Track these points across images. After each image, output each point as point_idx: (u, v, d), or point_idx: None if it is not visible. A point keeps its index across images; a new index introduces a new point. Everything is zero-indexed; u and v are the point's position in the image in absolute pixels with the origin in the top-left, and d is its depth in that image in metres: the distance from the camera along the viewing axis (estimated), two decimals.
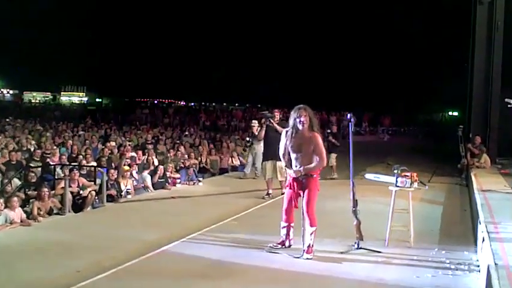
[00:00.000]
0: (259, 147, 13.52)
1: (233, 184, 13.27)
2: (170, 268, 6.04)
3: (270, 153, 10.51)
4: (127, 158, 13.51)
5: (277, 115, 11.00)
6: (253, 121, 14.21)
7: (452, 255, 6.60)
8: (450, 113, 46.56)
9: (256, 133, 13.37)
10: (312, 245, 6.35)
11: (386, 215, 7.17)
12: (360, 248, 6.68)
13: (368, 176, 7.76)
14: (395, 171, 7.09)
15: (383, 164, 16.15)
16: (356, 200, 6.75)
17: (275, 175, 10.88)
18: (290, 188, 6.52)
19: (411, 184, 7.01)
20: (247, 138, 14.25)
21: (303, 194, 6.37)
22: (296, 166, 6.44)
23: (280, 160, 7.12)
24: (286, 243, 6.66)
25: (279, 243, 6.65)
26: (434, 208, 10.09)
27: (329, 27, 43.84)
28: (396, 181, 7.03)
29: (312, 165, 6.37)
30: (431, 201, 10.65)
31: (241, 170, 14.75)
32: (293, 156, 6.48)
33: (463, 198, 11.62)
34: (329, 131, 14.77)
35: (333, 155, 13.86)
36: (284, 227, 6.65)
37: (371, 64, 42.19)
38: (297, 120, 6.36)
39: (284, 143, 6.55)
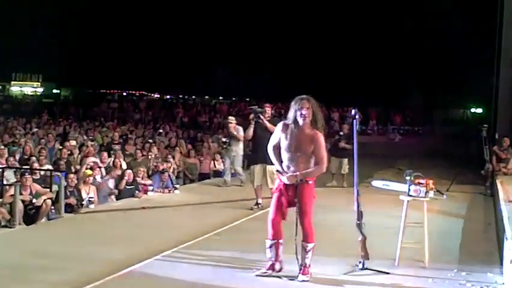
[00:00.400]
0: (239, 148, 13.61)
1: (215, 192, 13.25)
2: None
3: (260, 155, 10.47)
4: (90, 162, 13.45)
5: (269, 110, 11.01)
6: (230, 118, 14.33)
7: (473, 277, 6.61)
8: (473, 110, 46.82)
9: (235, 132, 13.43)
10: (309, 265, 6.30)
11: (397, 229, 7.18)
12: (366, 269, 6.68)
13: (376, 183, 7.76)
14: (408, 177, 7.09)
15: (393, 169, 16.23)
16: (361, 212, 6.75)
17: (265, 181, 10.84)
18: (280, 194, 6.35)
19: (426, 193, 7.01)
20: (224, 139, 14.14)
21: (297, 203, 6.25)
22: (289, 168, 6.30)
23: (271, 164, 7.05)
24: (277, 266, 6.42)
25: (267, 269, 6.42)
26: (454, 222, 10.13)
27: (330, 8, 43.86)
28: (409, 189, 7.04)
29: (310, 170, 6.27)
30: (450, 214, 10.70)
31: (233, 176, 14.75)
32: (287, 156, 6.32)
33: (487, 210, 11.68)
34: (341, 133, 14.71)
35: (345, 161, 13.94)
36: (271, 245, 6.35)
37: (379, 52, 42.25)
38: (298, 112, 6.23)
39: (277, 137, 6.39)
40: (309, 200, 6.29)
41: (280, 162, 6.40)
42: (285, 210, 6.34)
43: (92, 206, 11.33)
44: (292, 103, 6.33)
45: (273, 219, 6.36)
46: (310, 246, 6.25)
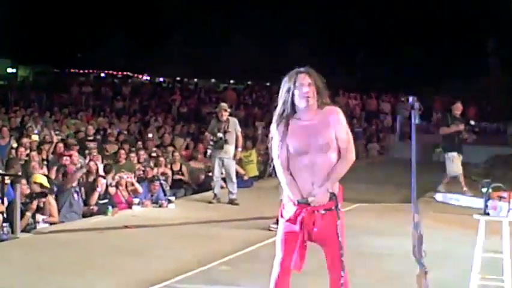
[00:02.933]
0: (232, 149, 13.41)
1: (224, 207, 13.25)
2: None
3: None
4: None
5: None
6: (223, 104, 14.06)
7: None
8: None
9: (228, 125, 13.44)
10: None
11: (469, 259, 7.16)
12: None
13: (441, 197, 7.76)
14: (484, 189, 7.06)
15: (465, 178, 16.15)
16: (421, 235, 6.70)
17: None
18: (301, 228, 5.30)
19: (509, 211, 6.97)
20: (219, 134, 13.49)
21: (327, 241, 5.28)
22: (312, 184, 5.30)
23: None
24: None
25: None
26: None
27: None
28: (486, 206, 7.01)
29: (337, 169, 5.33)
30: None
31: (243, 185, 14.71)
32: (302, 165, 5.36)
33: None
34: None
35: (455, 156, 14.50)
36: None
37: (444, 17, 42.02)
38: (297, 92, 5.34)
39: (279, 146, 5.42)
40: (344, 231, 5.30)
41: (302, 177, 5.38)
42: (303, 255, 5.30)
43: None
44: (284, 81, 5.48)
45: (281, 274, 5.38)
46: None
